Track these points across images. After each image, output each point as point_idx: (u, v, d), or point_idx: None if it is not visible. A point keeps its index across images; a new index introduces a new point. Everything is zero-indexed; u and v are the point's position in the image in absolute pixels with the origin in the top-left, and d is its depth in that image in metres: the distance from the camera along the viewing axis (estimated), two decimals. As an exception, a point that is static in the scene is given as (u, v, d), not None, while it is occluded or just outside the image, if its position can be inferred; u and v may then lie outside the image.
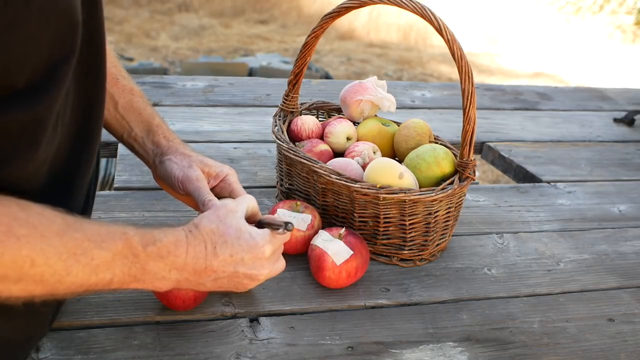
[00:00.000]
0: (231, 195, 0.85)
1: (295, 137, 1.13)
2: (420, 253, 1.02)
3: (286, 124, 1.13)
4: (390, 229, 0.98)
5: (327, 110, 1.24)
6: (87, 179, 0.74)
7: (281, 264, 0.79)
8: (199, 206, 0.81)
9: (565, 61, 5.89)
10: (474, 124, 0.94)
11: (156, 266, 0.67)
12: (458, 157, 1.00)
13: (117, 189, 1.14)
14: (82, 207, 0.76)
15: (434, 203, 0.96)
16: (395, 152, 1.13)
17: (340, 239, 0.92)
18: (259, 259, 0.73)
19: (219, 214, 0.73)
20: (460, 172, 0.99)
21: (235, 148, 1.33)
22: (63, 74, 0.58)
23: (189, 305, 0.84)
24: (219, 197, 0.84)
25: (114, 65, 0.90)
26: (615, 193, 1.36)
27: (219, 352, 0.80)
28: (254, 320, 0.86)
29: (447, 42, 0.91)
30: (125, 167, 1.20)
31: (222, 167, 0.87)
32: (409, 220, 0.97)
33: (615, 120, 1.77)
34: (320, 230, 0.95)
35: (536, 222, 1.20)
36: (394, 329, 0.88)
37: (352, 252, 0.91)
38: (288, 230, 0.77)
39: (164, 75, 1.93)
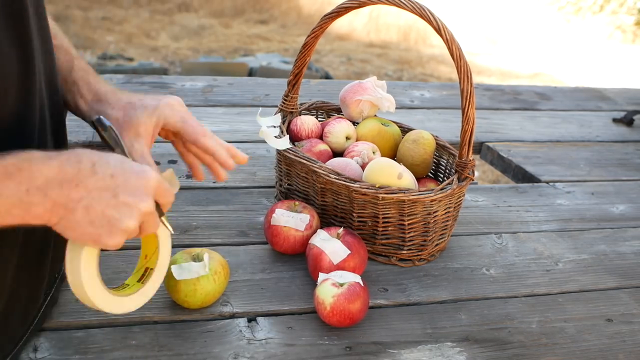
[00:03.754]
0: (179, 134, 0.81)
1: (294, 137, 1.13)
2: (419, 253, 1.02)
3: (286, 124, 1.13)
4: (389, 229, 0.98)
5: (327, 111, 1.24)
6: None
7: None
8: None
9: (565, 61, 5.88)
10: (473, 124, 0.94)
11: (6, 188, 0.57)
12: (457, 157, 1.00)
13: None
14: None
15: (433, 203, 0.96)
16: (398, 160, 1.11)
17: (338, 239, 0.92)
18: (144, 186, 0.64)
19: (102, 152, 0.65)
20: (459, 172, 0.99)
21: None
22: None
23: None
24: None
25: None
26: (614, 193, 1.36)
27: (217, 352, 0.80)
28: (252, 320, 0.86)
29: (446, 42, 0.91)
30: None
31: (158, 111, 0.78)
32: (408, 220, 0.97)
33: (615, 120, 1.77)
34: (318, 230, 0.95)
35: (535, 222, 1.20)
36: (393, 329, 0.88)
37: (349, 252, 0.91)
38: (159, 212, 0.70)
39: (164, 75, 1.94)
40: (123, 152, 0.70)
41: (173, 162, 1.24)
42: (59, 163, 0.60)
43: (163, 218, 0.72)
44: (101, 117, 0.69)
